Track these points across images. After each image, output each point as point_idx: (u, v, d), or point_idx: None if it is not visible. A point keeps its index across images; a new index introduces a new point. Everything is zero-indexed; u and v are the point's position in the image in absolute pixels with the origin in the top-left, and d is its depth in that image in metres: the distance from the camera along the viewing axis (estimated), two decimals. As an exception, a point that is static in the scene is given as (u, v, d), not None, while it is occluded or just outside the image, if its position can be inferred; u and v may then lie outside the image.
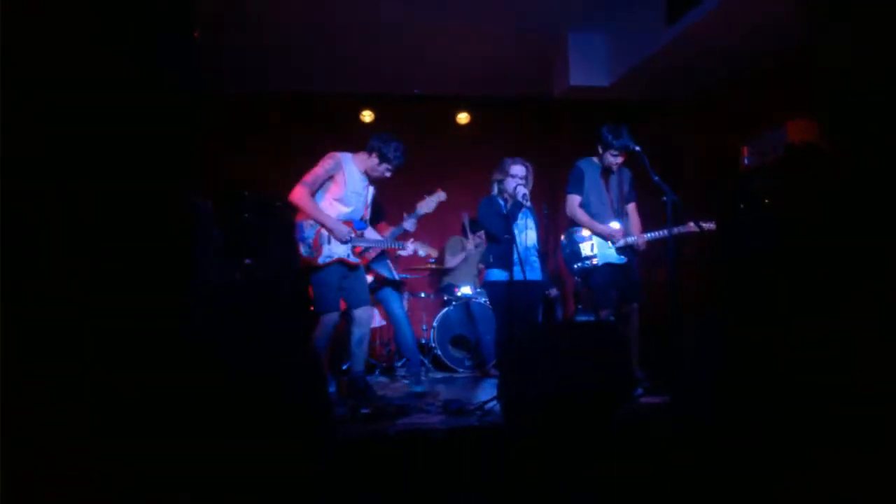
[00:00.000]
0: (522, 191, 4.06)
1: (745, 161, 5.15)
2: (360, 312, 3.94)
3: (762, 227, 4.60)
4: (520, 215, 4.19)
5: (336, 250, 3.85)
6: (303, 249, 3.80)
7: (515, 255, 3.80)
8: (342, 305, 4.01)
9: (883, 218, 3.83)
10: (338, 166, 3.86)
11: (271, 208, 5.04)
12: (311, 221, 3.82)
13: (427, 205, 4.18)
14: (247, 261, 4.75)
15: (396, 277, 4.72)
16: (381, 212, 4.64)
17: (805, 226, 4.15)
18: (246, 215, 5.10)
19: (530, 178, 4.22)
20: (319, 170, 3.83)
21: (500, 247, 4.12)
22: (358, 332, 3.94)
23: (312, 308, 4.07)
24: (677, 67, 5.55)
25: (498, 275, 4.16)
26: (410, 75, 6.39)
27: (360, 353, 3.93)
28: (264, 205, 5.09)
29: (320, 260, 3.80)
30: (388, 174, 3.99)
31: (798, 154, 4.29)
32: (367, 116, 6.77)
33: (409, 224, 4.20)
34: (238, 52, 5.57)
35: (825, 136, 4.02)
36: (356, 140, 4.17)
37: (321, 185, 3.85)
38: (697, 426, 2.92)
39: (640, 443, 2.86)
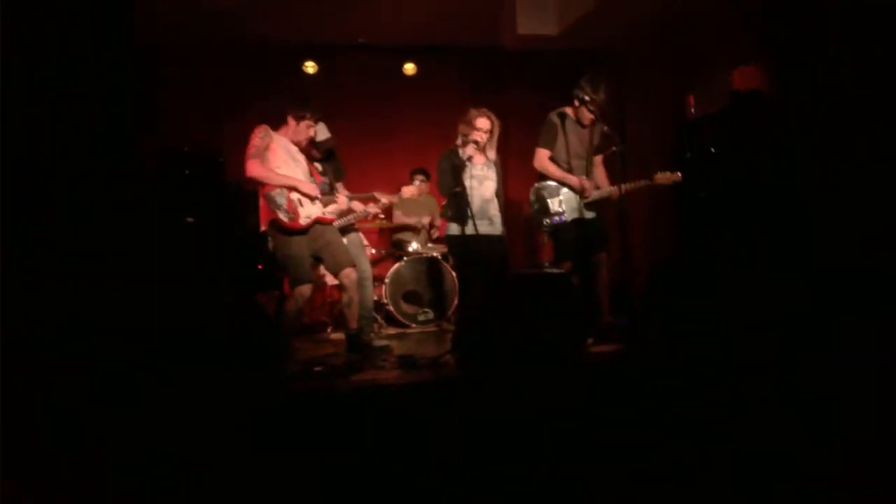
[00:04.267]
0: (469, 152, 4.05)
1: (692, 110, 5.17)
2: (343, 277, 3.94)
3: (709, 177, 4.65)
4: (478, 168, 4.15)
5: (312, 211, 3.87)
6: (282, 216, 3.74)
7: (469, 209, 3.82)
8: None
9: (824, 165, 3.90)
10: (268, 135, 3.83)
11: (214, 164, 4.83)
12: (278, 189, 3.76)
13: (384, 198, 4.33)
14: (189, 219, 4.56)
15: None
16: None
17: (751, 174, 4.21)
18: (187, 172, 4.87)
19: (496, 130, 4.19)
20: (256, 140, 3.78)
21: (455, 200, 4.07)
22: (345, 295, 3.99)
23: (284, 280, 4.02)
24: (626, 15, 5.51)
25: (454, 229, 4.15)
26: (354, 24, 6.16)
27: (349, 313, 4.00)
28: (205, 160, 4.87)
29: (302, 221, 3.79)
30: (311, 131, 4.01)
31: (743, 102, 4.32)
32: (310, 68, 6.54)
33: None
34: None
35: (770, 83, 4.05)
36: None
37: (263, 156, 3.79)
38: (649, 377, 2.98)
39: (594, 390, 2.91)
